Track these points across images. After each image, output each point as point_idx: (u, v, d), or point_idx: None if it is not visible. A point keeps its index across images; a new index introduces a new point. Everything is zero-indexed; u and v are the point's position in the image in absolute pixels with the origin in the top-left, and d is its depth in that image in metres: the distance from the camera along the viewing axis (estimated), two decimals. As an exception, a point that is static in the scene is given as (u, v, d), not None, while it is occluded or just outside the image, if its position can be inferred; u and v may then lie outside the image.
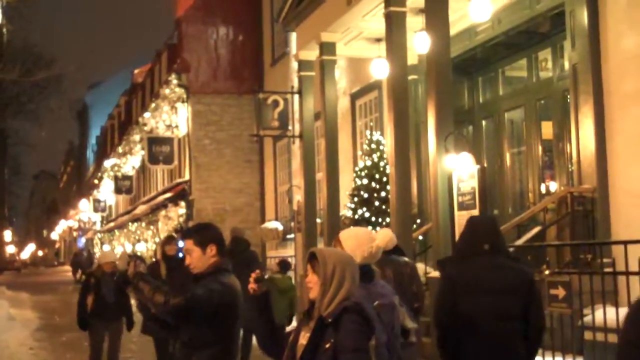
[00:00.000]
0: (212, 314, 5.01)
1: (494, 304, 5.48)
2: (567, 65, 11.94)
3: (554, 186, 12.81)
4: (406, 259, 8.59)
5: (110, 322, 11.31)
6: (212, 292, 5.01)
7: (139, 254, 28.70)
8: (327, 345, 4.22)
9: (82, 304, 11.40)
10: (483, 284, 5.54)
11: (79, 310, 11.46)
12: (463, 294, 5.56)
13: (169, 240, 12.11)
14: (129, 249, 38.37)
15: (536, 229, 11.16)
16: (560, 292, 8.18)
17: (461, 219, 9.91)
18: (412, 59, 13.70)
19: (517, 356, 5.57)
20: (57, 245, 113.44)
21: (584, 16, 10.82)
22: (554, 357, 8.47)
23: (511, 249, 10.19)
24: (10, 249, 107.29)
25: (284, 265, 13.14)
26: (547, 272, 8.72)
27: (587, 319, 8.64)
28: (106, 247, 31.75)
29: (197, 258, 5.21)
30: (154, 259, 16.90)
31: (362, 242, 5.15)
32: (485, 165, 13.80)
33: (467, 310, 5.53)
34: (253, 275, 4.72)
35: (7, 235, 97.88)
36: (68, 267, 55.46)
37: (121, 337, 11.58)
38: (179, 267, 9.57)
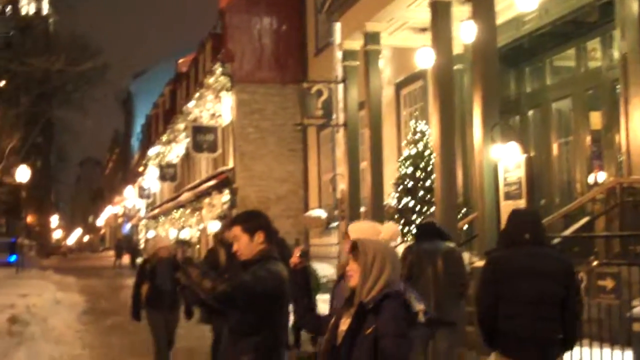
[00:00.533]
0: (258, 301, 5.04)
1: (533, 289, 5.76)
2: (616, 55, 11.78)
3: (602, 177, 12.67)
4: (452, 244, 8.77)
5: (167, 311, 10.40)
6: (259, 280, 5.04)
7: (186, 239, 28.93)
8: (368, 331, 4.32)
9: (136, 292, 10.57)
10: (524, 270, 5.83)
11: (133, 299, 10.62)
12: (505, 278, 5.88)
13: (228, 226, 11.55)
14: (173, 235, 38.74)
15: (584, 220, 11.07)
16: (609, 283, 8.12)
17: (507, 208, 9.84)
18: (457, 49, 13.62)
19: (554, 340, 5.84)
20: (102, 231, 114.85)
21: (634, 5, 10.67)
22: (601, 348, 8.40)
23: (558, 240, 10.16)
24: (57, 234, 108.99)
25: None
26: (595, 263, 8.65)
27: (636, 310, 8.54)
28: (158, 232, 31.57)
29: (245, 245, 5.23)
30: (211, 246, 16.70)
31: (369, 235, 5.34)
32: (532, 155, 13.70)
33: (507, 293, 5.84)
34: (297, 249, 5.01)
35: (54, 220, 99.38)
36: (113, 253, 56.11)
37: (177, 327, 10.77)
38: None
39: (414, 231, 8.75)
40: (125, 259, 52.13)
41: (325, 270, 19.32)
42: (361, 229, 5.58)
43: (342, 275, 5.64)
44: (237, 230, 5.28)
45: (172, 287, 9.89)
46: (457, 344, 8.51)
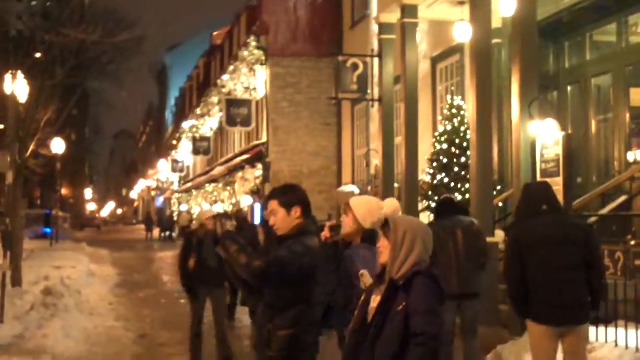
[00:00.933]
0: (294, 276, 4.99)
1: (556, 255, 6.13)
2: (659, 29, 11.52)
3: (641, 155, 12.43)
4: (472, 218, 8.88)
5: (213, 288, 9.90)
6: (295, 255, 4.99)
7: (227, 211, 28.82)
8: (399, 308, 4.36)
9: (183, 266, 9.95)
10: (545, 238, 6.19)
11: (182, 272, 10.03)
12: (528, 249, 6.21)
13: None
14: (206, 209, 38.86)
15: (622, 199, 10.90)
16: (647, 263, 7.97)
17: (544, 186, 9.70)
18: (496, 22, 13.39)
19: (582, 302, 6.19)
20: (135, 204, 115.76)
21: (679, -21, 10.40)
22: (637, 329, 8.26)
23: (595, 218, 9.99)
24: (91, 207, 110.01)
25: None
26: (632, 242, 8.49)
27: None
28: (202, 206, 31.00)
29: (282, 219, 5.18)
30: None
31: (373, 209, 5.56)
32: (570, 132, 13.47)
33: (533, 263, 6.17)
34: (328, 224, 5.17)
35: (88, 193, 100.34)
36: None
37: (223, 305, 10.29)
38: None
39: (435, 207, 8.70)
40: (157, 232, 52.49)
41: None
42: (367, 203, 5.68)
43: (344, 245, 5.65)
44: (274, 204, 5.23)
45: (219, 262, 8.90)
46: (480, 313, 8.57)
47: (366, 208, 5.56)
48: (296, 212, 5.18)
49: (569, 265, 6.13)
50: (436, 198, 14.33)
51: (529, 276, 6.19)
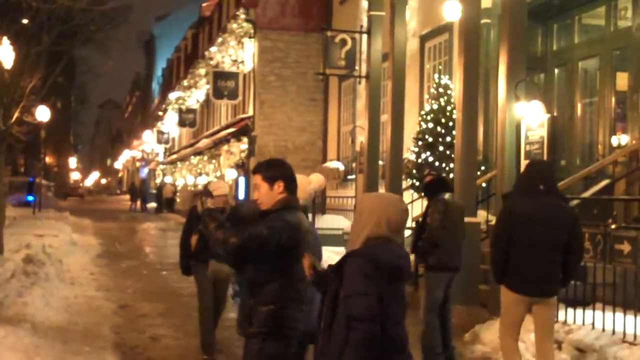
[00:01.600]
0: (272, 252, 4.96)
1: (544, 234, 6.66)
2: (647, 14, 11.52)
3: (625, 139, 12.47)
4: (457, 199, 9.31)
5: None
6: (273, 230, 4.95)
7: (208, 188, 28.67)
8: (342, 294, 4.23)
9: (184, 245, 9.27)
10: (537, 217, 6.68)
11: (182, 252, 9.36)
12: (519, 224, 6.73)
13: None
14: (190, 181, 38.81)
15: (604, 182, 10.94)
16: (626, 247, 8.02)
17: (528, 168, 9.73)
18: (486, 2, 13.37)
19: (556, 280, 6.86)
20: (120, 174, 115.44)
21: (669, -36, 10.39)
22: (614, 313, 8.33)
23: (577, 201, 10.03)
24: (75, 176, 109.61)
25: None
26: (613, 226, 8.54)
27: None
28: (211, 179, 29.87)
29: (265, 194, 5.16)
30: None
31: (303, 186, 5.76)
32: (556, 114, 13.50)
33: (521, 238, 6.70)
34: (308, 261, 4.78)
35: (72, 162, 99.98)
36: (129, 197, 56.47)
37: (229, 287, 9.32)
38: None
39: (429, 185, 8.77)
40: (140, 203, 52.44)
41: (341, 222, 19.31)
42: (297, 181, 5.63)
43: None
44: (257, 178, 5.21)
45: None
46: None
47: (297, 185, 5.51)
48: (279, 186, 5.14)
49: (551, 246, 6.68)
50: (419, 177, 14.38)
51: (513, 248, 6.75)
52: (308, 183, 6.09)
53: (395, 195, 4.67)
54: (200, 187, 22.99)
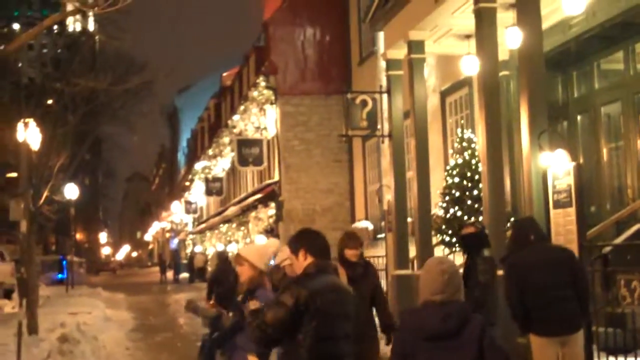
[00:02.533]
0: (291, 323, 5.08)
1: (546, 276, 7.19)
2: (666, 56, 11.53)
3: (654, 182, 12.38)
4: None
5: None
6: (279, 306, 5.09)
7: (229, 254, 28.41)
8: None
9: None
10: (537, 263, 7.26)
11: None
12: (524, 274, 7.30)
13: (351, 239, 8.13)
14: (220, 249, 38.85)
15: (636, 226, 10.82)
16: (663, 292, 7.90)
17: (557, 217, 9.68)
18: (503, 55, 13.43)
19: (575, 315, 7.25)
20: (150, 247, 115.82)
21: (684, 5, 10.43)
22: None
23: (610, 248, 9.93)
24: (106, 251, 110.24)
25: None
26: (649, 271, 8.43)
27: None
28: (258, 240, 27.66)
29: (296, 265, 5.44)
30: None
31: (262, 252, 6.53)
32: (582, 161, 13.45)
33: (528, 286, 7.24)
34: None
35: (103, 237, 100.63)
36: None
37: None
38: (365, 276, 7.95)
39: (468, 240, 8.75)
40: (171, 274, 52.44)
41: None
42: (257, 250, 6.68)
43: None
44: (288, 254, 5.69)
45: None
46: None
47: (257, 253, 6.47)
48: (303, 255, 5.31)
49: (558, 284, 7.20)
50: (450, 232, 14.31)
51: (526, 297, 7.26)
52: (266, 249, 6.71)
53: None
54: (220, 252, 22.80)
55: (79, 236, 63.85)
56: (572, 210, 9.46)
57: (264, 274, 6.44)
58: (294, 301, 5.03)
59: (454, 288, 4.59)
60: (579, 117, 14.51)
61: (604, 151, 13.88)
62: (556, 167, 10.03)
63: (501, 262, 7.91)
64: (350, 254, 7.86)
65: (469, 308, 4.61)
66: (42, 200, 18.42)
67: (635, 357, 8.27)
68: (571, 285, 7.20)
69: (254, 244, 7.19)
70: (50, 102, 22.25)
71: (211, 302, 8.06)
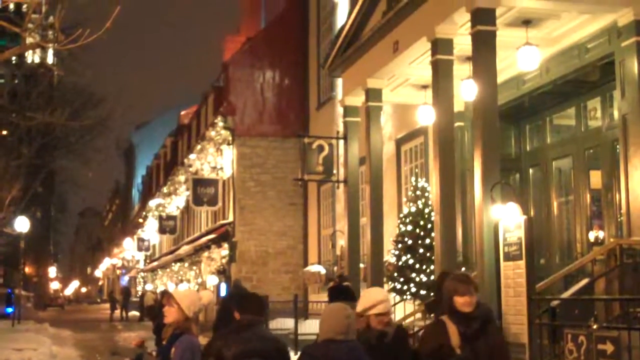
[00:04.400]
0: None
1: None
2: (616, 114, 11.82)
3: (602, 235, 12.60)
4: None
5: None
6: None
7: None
8: None
9: None
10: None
11: None
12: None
13: (462, 282, 6.01)
14: (171, 288, 38.47)
15: (584, 281, 10.95)
16: (609, 347, 8.00)
17: (507, 269, 9.78)
18: (458, 106, 13.65)
19: None
20: (100, 283, 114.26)
21: (634, 65, 10.72)
22: (602, 414, 8.25)
23: (558, 302, 10.04)
24: (55, 285, 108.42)
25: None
26: (595, 326, 8.53)
27: (637, 376, 8.41)
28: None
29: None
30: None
31: (194, 300, 6.34)
32: (532, 213, 13.66)
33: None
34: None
35: (52, 271, 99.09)
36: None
37: None
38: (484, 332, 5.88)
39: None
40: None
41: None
42: (190, 295, 6.50)
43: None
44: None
45: None
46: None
47: (189, 299, 6.30)
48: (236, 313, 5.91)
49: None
50: (401, 279, 14.38)
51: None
52: (199, 299, 6.56)
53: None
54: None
55: (28, 270, 62.82)
56: (522, 263, 9.57)
57: (190, 320, 6.26)
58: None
59: (352, 330, 5.46)
60: (531, 171, 14.77)
61: (555, 205, 14.12)
62: (507, 219, 10.16)
63: (426, 307, 8.71)
64: (462, 302, 5.88)
65: (360, 347, 5.47)
66: (-9, 234, 18.13)
67: (580, 411, 8.34)
68: None
69: (188, 290, 7.08)
70: (4, 133, 22.04)
71: (135, 341, 7.67)
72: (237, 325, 5.77)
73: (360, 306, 6.09)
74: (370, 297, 6.15)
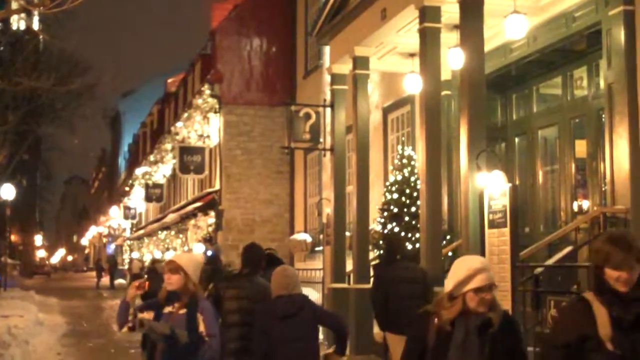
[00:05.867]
0: None
1: (405, 289, 9.35)
2: (602, 84, 11.85)
3: (586, 205, 12.69)
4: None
5: None
6: None
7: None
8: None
9: None
10: (398, 278, 9.45)
11: None
12: (387, 286, 9.49)
13: (621, 248, 4.03)
14: (158, 256, 38.57)
15: (568, 249, 11.06)
16: (591, 313, 8.08)
17: (491, 237, 9.85)
18: (445, 75, 13.64)
19: None
20: (86, 251, 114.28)
21: (620, 35, 10.74)
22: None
23: (542, 269, 10.14)
24: (41, 253, 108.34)
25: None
26: (577, 293, 8.62)
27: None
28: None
29: None
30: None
31: (199, 264, 6.39)
32: (518, 182, 13.72)
33: (392, 294, 9.38)
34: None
35: (38, 239, 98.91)
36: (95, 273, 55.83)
37: None
38: None
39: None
40: (107, 279, 51.80)
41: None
42: (194, 260, 6.46)
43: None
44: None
45: None
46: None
47: (194, 264, 6.23)
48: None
49: (412, 296, 9.20)
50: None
51: (389, 302, 9.36)
52: (201, 262, 6.65)
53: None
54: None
55: (13, 238, 62.73)
56: (506, 231, 9.64)
57: (197, 286, 6.11)
58: None
59: (294, 286, 7.18)
60: (516, 139, 14.82)
61: (540, 174, 14.19)
62: (492, 187, 10.21)
63: (373, 268, 10.28)
64: (617, 277, 3.98)
65: (305, 298, 7.24)
66: (-23, 200, 18.07)
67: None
68: (422, 297, 9.19)
69: (191, 254, 6.96)
70: (-11, 100, 21.92)
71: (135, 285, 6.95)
72: (238, 274, 8.08)
73: (450, 282, 4.61)
74: (463, 266, 4.56)
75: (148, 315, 6.05)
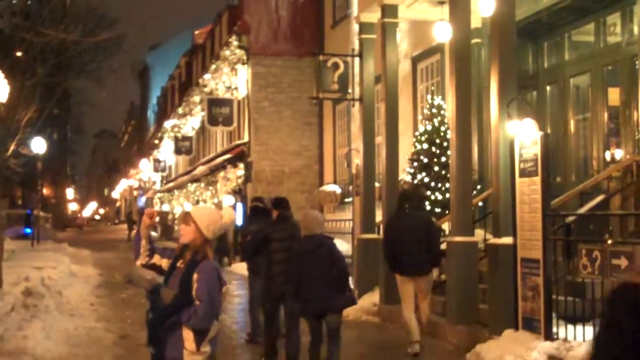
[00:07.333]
0: None
1: (409, 235, 10.43)
2: (636, 30, 11.62)
3: (619, 154, 12.52)
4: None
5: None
6: None
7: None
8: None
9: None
10: (403, 225, 10.60)
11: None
12: (393, 233, 10.77)
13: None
14: (188, 209, 38.74)
15: (600, 198, 10.96)
16: (623, 262, 8.04)
17: (522, 186, 9.77)
18: (475, 22, 13.45)
19: (423, 262, 10.52)
20: (117, 204, 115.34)
21: (655, -21, 10.49)
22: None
23: (573, 218, 10.06)
24: (73, 207, 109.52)
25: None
26: (609, 241, 8.56)
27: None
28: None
29: None
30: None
31: (214, 219, 5.82)
32: (549, 131, 13.56)
33: (396, 241, 10.62)
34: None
35: (70, 193, 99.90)
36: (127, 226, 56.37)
37: None
38: None
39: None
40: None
41: (338, 246, 19.30)
42: (209, 214, 5.97)
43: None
44: None
45: None
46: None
47: (208, 218, 5.75)
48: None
49: (414, 240, 10.34)
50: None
51: (394, 248, 10.61)
52: (220, 217, 6.03)
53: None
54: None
55: (46, 191, 63.44)
56: (537, 180, 9.56)
57: (208, 243, 5.72)
58: None
59: (314, 227, 8.72)
60: (548, 88, 14.61)
61: (571, 122, 14.00)
62: (523, 136, 10.11)
63: (387, 217, 11.90)
64: None
65: (321, 237, 8.70)
66: (9, 153, 18.22)
67: (594, 326, 8.42)
68: (425, 242, 10.35)
69: (208, 207, 6.50)
70: (19, 53, 21.95)
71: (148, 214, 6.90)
72: (277, 219, 9.93)
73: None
74: None
75: (142, 261, 6.30)
